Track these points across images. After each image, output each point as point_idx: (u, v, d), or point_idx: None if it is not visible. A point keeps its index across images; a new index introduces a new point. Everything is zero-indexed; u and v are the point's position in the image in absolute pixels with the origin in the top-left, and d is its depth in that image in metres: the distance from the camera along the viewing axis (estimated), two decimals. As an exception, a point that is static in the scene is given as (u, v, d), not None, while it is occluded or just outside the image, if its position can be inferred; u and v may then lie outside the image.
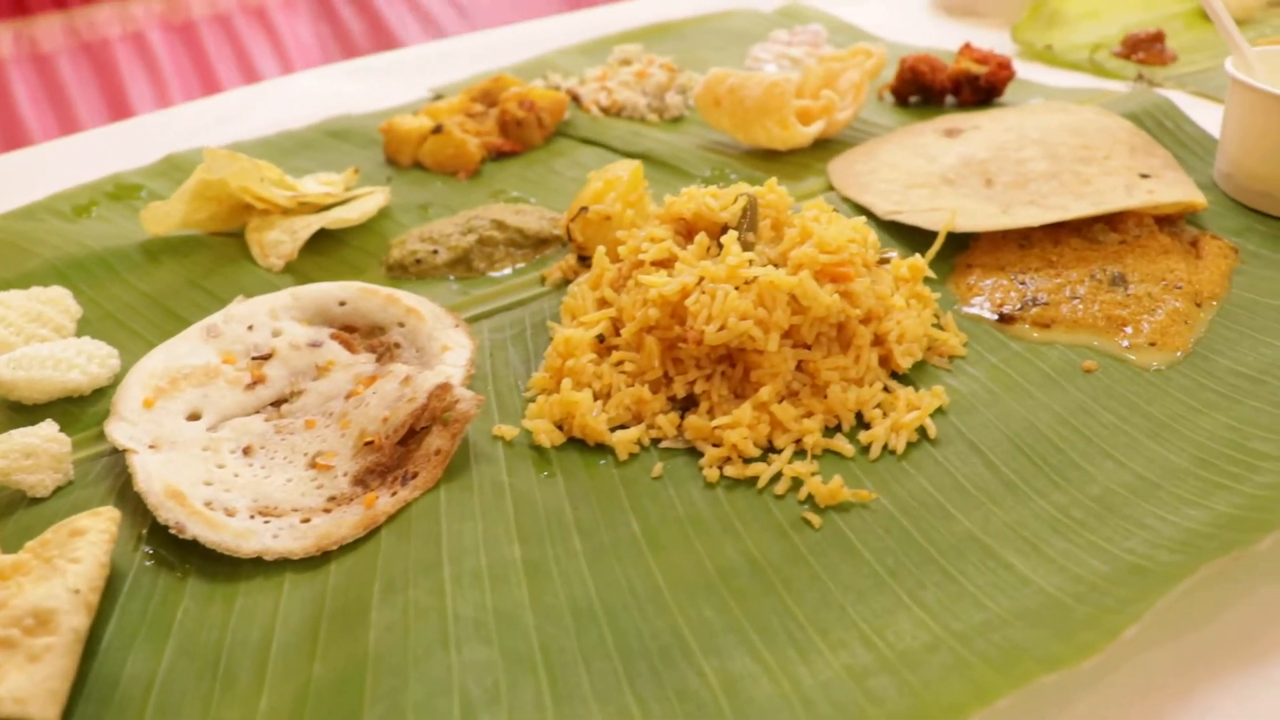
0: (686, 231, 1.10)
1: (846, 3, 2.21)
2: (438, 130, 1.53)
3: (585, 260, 1.22)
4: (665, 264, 1.07)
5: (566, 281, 1.23)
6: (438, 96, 1.79)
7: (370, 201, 1.38)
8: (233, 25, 3.98)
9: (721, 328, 0.97)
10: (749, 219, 1.07)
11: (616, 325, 1.07)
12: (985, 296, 1.16)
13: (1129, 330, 1.10)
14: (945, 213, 1.25)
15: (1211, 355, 1.07)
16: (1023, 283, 1.17)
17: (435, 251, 1.27)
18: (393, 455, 0.99)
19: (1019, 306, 1.14)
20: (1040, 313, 1.12)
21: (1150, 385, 1.03)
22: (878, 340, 1.04)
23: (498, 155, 1.57)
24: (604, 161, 1.54)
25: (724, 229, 1.07)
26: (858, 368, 1.01)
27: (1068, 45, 1.91)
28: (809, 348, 1.01)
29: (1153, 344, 1.08)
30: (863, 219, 1.11)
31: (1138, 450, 0.94)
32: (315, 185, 1.45)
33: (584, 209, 1.20)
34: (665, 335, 1.02)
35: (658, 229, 1.09)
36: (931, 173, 1.38)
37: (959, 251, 1.25)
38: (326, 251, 1.35)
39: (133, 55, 3.79)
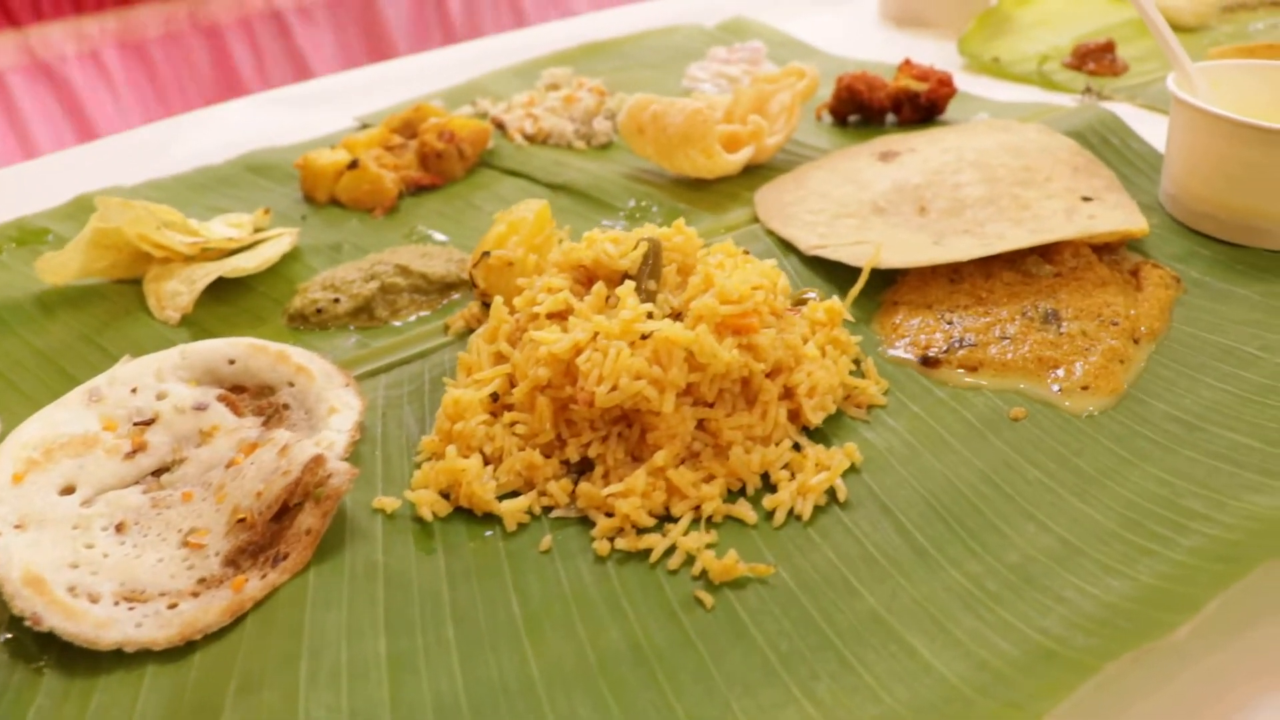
0: (587, 280, 1.03)
1: (792, 16, 2.15)
2: (353, 166, 1.47)
3: (490, 308, 1.15)
4: (562, 316, 1.00)
5: (470, 330, 1.17)
6: (363, 126, 1.72)
7: (272, 247, 1.31)
8: (187, 43, 3.92)
9: (613, 388, 0.91)
10: (650, 266, 1.00)
11: (513, 382, 1.00)
12: (910, 338, 1.09)
13: (1060, 373, 1.03)
14: (871, 246, 1.19)
15: (1147, 398, 1.01)
16: (950, 322, 1.10)
17: (337, 300, 1.21)
18: (265, 533, 0.92)
19: (945, 349, 1.07)
20: (967, 355, 1.06)
21: (1080, 434, 0.96)
22: (787, 393, 0.98)
23: (416, 189, 1.50)
24: (525, 194, 1.47)
25: (625, 278, 1.00)
26: (764, 425, 0.95)
27: (1016, 56, 1.85)
28: (711, 405, 0.95)
29: (1085, 387, 1.01)
30: (772, 262, 1.05)
31: (1062, 510, 0.88)
32: (222, 228, 1.38)
33: (485, 254, 1.13)
34: (558, 395, 0.95)
35: (555, 278, 1.02)
36: (862, 201, 1.31)
37: (886, 287, 1.18)
38: (230, 300, 1.29)
39: (90, 73, 3.73)
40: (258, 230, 1.42)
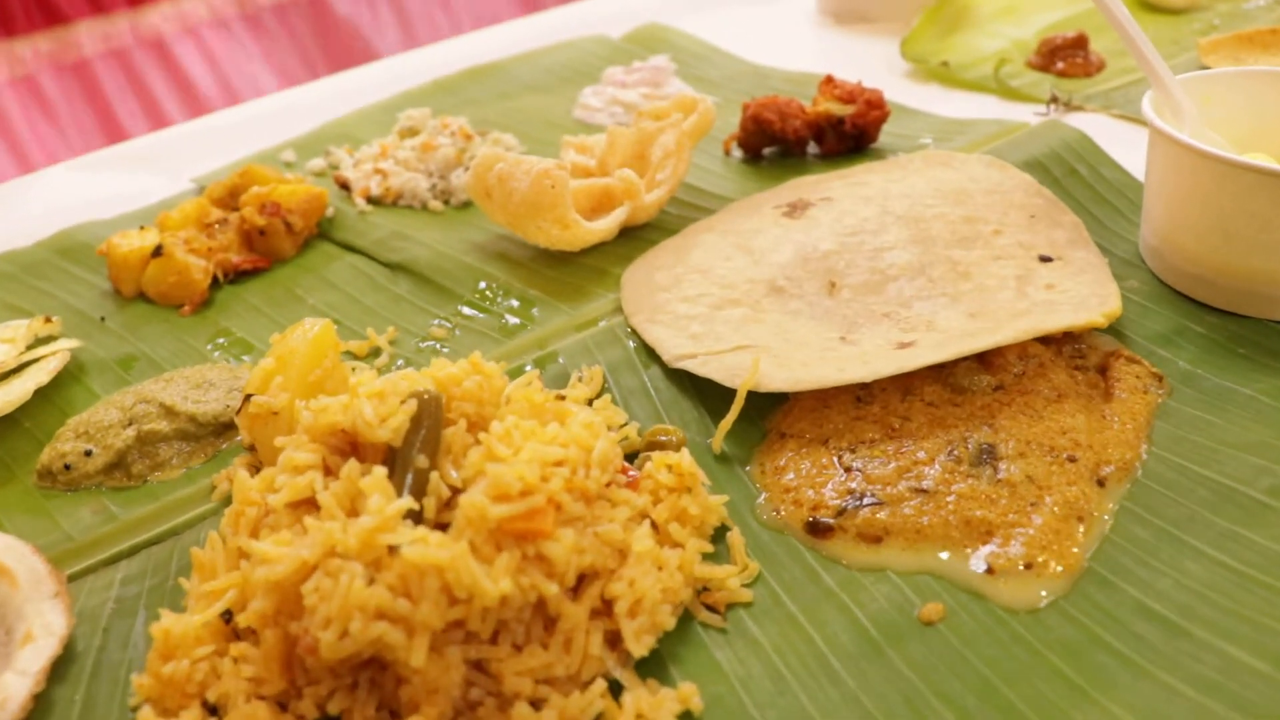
0: (349, 450, 0.77)
1: (715, 15, 1.85)
2: (157, 253, 1.20)
3: (260, 469, 0.89)
4: (309, 507, 0.74)
5: (240, 495, 0.90)
6: (201, 189, 1.45)
7: (24, 381, 1.05)
8: (130, 60, 3.68)
9: (344, 634, 0.64)
10: (422, 436, 0.73)
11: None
12: (796, 491, 0.82)
13: (995, 544, 0.76)
14: (750, 355, 0.91)
15: (1114, 577, 0.73)
16: (849, 468, 0.83)
17: (88, 452, 0.95)
18: None
19: (841, 509, 0.80)
20: (870, 519, 0.79)
21: (1017, 644, 0.70)
22: (605, 607, 0.71)
23: (237, 275, 1.23)
24: (359, 276, 1.21)
25: (388, 454, 0.74)
26: (566, 663, 0.68)
27: (971, 56, 1.55)
28: (493, 640, 0.68)
29: (1028, 566, 0.74)
30: (595, 406, 0.78)
31: (980, 790, 0.61)
32: (-13, 345, 1.12)
33: (248, 397, 0.86)
34: (290, 630, 0.69)
35: (302, 451, 0.75)
36: (755, 280, 1.04)
37: (776, 408, 0.91)
38: (-17, 442, 1.03)
39: (26, 100, 3.50)
40: (37, 343, 1.16)
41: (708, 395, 0.92)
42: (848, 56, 1.62)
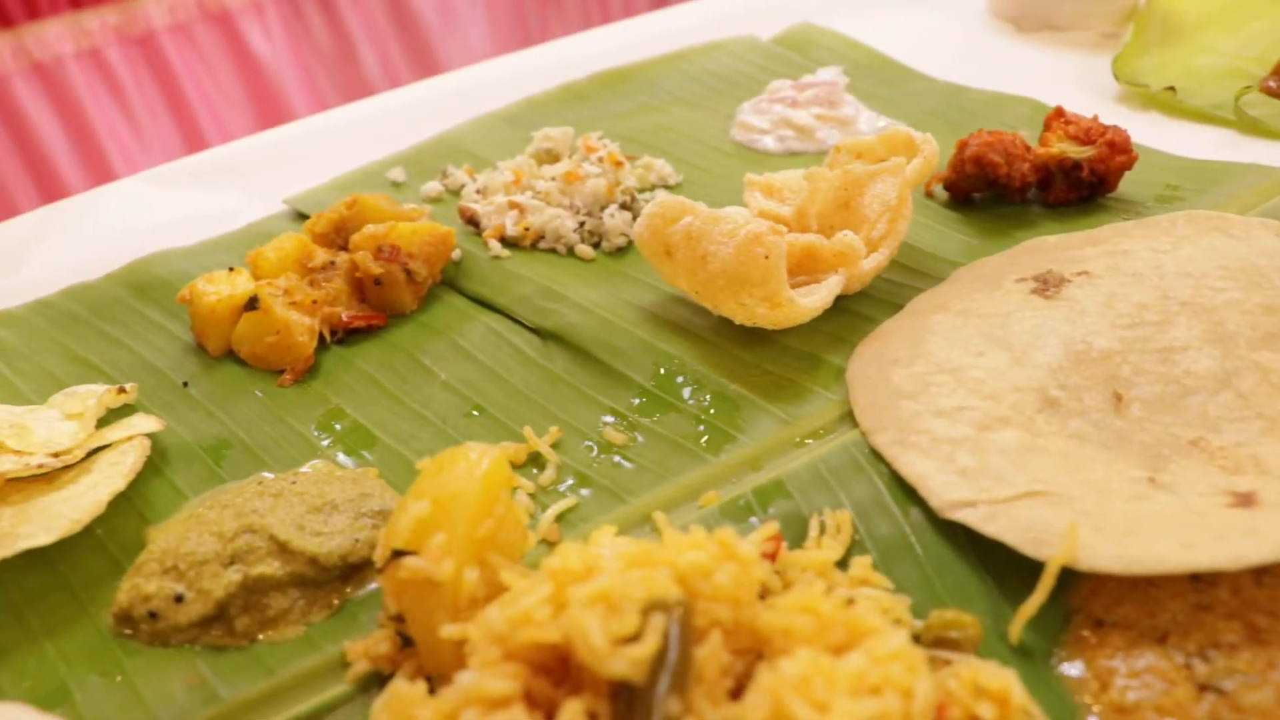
0: (556, 670, 0.56)
1: (869, 17, 1.60)
2: (251, 305, 1.00)
3: (410, 643, 0.69)
4: (509, 757, 0.53)
5: (380, 676, 0.70)
6: (298, 215, 1.24)
7: (85, 493, 0.84)
8: (194, 34, 3.49)
9: None
10: (674, 667, 0.53)
11: None
12: (1138, 717, 0.61)
13: None
14: (1050, 509, 0.70)
15: None
16: (1207, 685, 0.61)
17: (179, 598, 0.75)
18: None
19: (1213, 753, 0.58)
20: (1257, 772, 0.57)
21: None
22: None
23: (347, 333, 1.03)
24: (499, 345, 1.00)
25: (621, 692, 0.53)
26: None
27: (1192, 78, 1.30)
28: None
29: None
30: (851, 572, 0.57)
31: None
32: (51, 424, 0.93)
33: (396, 554, 0.66)
34: None
35: (493, 678, 0.55)
36: (1021, 386, 0.82)
37: (1080, 579, 0.69)
38: (50, 560, 0.83)
39: (93, 75, 3.34)
40: (110, 416, 0.96)
41: (991, 555, 0.71)
42: (1035, 72, 1.38)
